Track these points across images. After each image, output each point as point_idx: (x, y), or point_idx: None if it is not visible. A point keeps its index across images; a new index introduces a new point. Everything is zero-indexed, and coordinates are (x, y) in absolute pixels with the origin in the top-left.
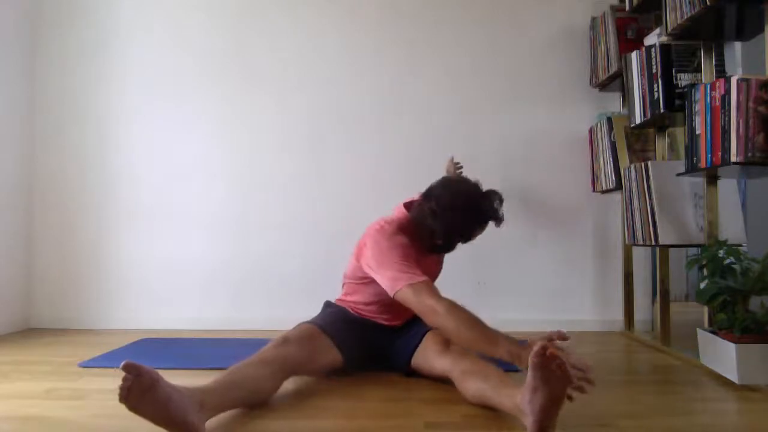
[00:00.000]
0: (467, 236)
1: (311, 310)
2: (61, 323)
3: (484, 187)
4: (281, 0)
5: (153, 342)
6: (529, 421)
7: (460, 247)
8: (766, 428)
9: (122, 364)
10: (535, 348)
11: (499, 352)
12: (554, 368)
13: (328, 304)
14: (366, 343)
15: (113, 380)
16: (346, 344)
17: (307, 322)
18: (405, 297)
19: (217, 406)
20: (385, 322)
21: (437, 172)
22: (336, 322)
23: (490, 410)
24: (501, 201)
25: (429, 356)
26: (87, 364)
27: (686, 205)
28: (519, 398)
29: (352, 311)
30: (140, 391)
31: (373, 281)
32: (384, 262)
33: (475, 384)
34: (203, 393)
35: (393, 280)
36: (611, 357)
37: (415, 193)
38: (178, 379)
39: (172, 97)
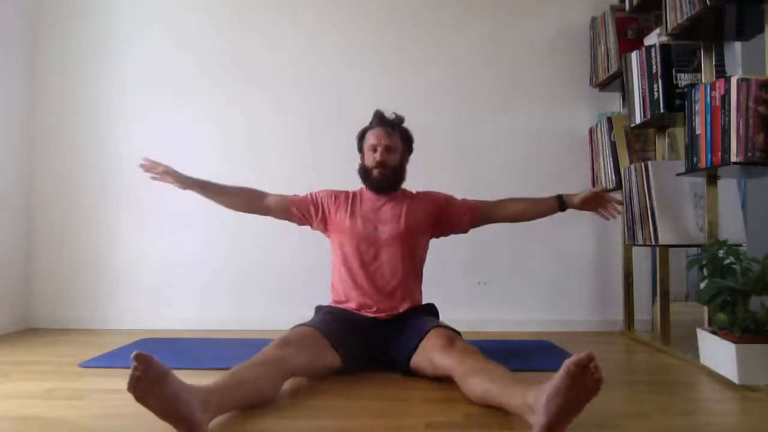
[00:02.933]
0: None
1: (312, 309)
2: (61, 323)
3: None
4: (281, 0)
5: (153, 342)
6: (540, 421)
7: (460, 246)
8: (766, 428)
9: (133, 354)
10: (581, 356)
11: None
12: (590, 381)
13: (320, 307)
14: (363, 343)
15: (113, 380)
16: (343, 346)
17: (304, 324)
18: None
19: (220, 407)
20: (371, 314)
21: (437, 172)
22: (333, 323)
23: (491, 410)
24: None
25: (431, 354)
26: (87, 364)
27: (686, 205)
28: (532, 397)
29: (343, 309)
30: (149, 383)
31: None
32: None
33: (480, 383)
34: (207, 393)
35: None
36: (611, 357)
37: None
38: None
39: (172, 97)
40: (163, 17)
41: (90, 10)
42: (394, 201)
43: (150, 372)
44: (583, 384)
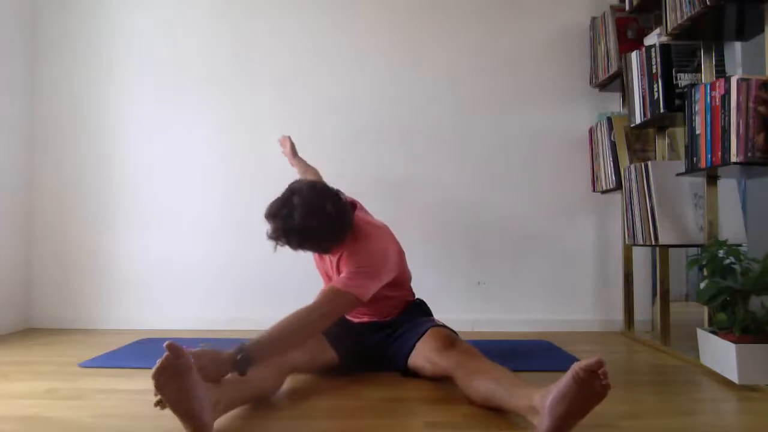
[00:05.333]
0: None
1: None
2: (61, 323)
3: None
4: (281, 0)
5: (153, 342)
6: (544, 423)
7: (460, 246)
8: (766, 428)
9: (166, 343)
10: (590, 361)
11: None
12: (597, 387)
13: None
14: (359, 345)
15: (113, 380)
16: (341, 344)
17: None
18: None
19: (227, 406)
20: (367, 319)
21: (438, 171)
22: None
23: (490, 410)
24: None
25: (431, 355)
26: (87, 364)
27: (686, 205)
28: (537, 398)
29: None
30: (172, 373)
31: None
32: None
33: (484, 385)
34: (217, 392)
35: None
36: (611, 357)
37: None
38: None
39: (173, 98)
40: (163, 19)
41: (90, 12)
42: (338, 254)
43: (177, 363)
44: (591, 389)
